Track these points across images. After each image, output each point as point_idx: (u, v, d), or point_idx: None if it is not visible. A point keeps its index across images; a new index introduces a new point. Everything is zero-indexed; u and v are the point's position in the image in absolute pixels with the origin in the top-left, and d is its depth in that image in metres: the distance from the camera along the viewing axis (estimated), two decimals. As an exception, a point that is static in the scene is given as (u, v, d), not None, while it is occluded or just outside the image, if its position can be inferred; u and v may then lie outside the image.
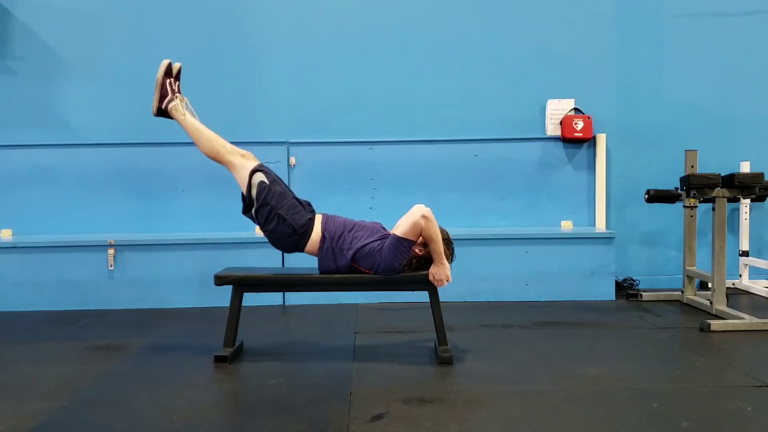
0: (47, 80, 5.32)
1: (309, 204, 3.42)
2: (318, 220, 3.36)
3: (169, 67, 3.43)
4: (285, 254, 4.81)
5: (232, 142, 5.29)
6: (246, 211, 3.38)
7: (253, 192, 3.28)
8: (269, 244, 4.82)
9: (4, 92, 5.29)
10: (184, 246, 4.85)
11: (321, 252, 3.31)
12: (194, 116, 3.43)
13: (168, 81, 3.41)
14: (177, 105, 3.41)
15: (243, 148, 5.26)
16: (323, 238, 3.30)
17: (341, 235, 3.31)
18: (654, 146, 5.41)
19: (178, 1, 5.34)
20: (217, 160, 3.40)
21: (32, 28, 5.30)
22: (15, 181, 5.26)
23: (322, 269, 3.36)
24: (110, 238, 4.86)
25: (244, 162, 3.36)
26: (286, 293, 4.86)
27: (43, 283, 4.77)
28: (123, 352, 3.59)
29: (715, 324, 3.88)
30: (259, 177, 3.29)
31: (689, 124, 5.41)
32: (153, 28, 5.34)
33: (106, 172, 5.28)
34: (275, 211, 3.24)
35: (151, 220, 5.29)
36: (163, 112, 3.44)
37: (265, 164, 3.38)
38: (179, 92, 3.45)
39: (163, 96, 3.40)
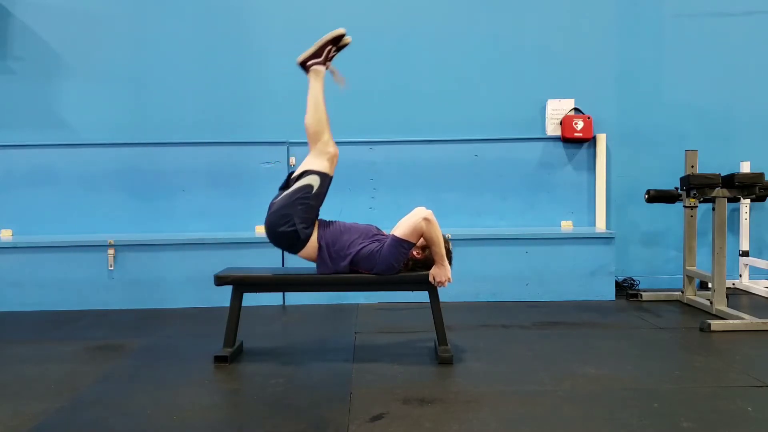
0: (47, 80, 5.32)
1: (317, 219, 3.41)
2: (315, 229, 3.33)
3: (338, 38, 3.38)
4: (285, 254, 4.82)
5: (232, 142, 5.35)
6: (283, 188, 3.35)
7: (298, 183, 3.27)
8: (269, 244, 4.84)
9: (4, 92, 5.30)
10: (184, 246, 4.85)
11: (319, 259, 3.31)
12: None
13: (329, 48, 3.38)
14: (320, 70, 3.39)
15: (246, 148, 5.32)
16: (320, 247, 3.29)
17: (337, 240, 3.30)
18: (654, 146, 5.41)
19: (178, 2, 5.34)
20: (310, 138, 3.36)
21: (32, 28, 5.30)
22: (15, 181, 5.26)
23: (320, 273, 3.36)
24: (110, 238, 4.86)
25: (322, 158, 3.31)
26: (286, 293, 4.86)
27: (43, 283, 4.77)
28: (123, 352, 3.59)
29: (715, 324, 3.88)
30: (314, 181, 3.26)
31: (689, 124, 5.41)
32: (153, 28, 5.34)
33: (106, 172, 5.28)
34: (292, 216, 3.22)
35: (151, 220, 5.29)
36: (304, 66, 3.42)
37: (326, 176, 3.31)
38: (330, 62, 3.42)
39: (315, 55, 3.37)
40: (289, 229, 3.22)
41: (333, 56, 3.43)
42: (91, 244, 4.81)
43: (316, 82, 3.38)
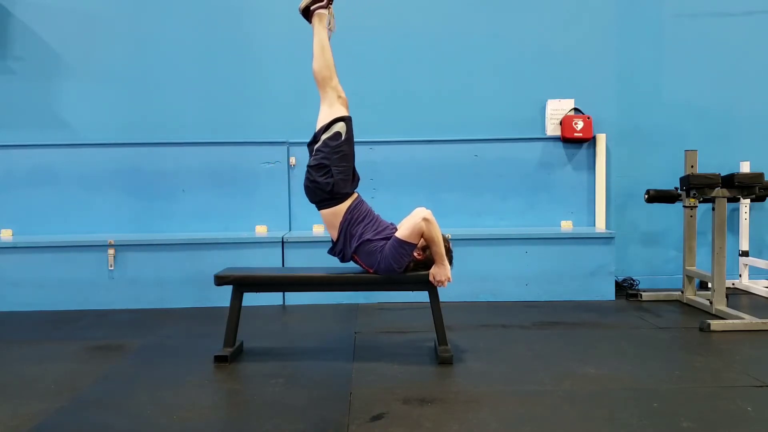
0: (47, 80, 5.32)
1: (358, 181, 3.45)
2: (351, 198, 3.36)
3: None
4: (285, 254, 4.82)
5: (232, 142, 5.35)
6: (311, 144, 3.39)
7: (326, 135, 3.30)
8: (269, 244, 4.89)
9: (4, 92, 5.29)
10: (184, 246, 4.85)
11: (338, 233, 3.31)
12: (330, 34, 3.42)
13: None
14: (323, 14, 3.39)
15: (246, 148, 5.33)
16: (344, 218, 3.30)
17: (358, 223, 3.31)
18: (654, 146, 5.41)
19: (178, 2, 5.34)
20: (319, 84, 3.40)
21: (32, 28, 5.30)
22: (15, 181, 5.26)
23: (333, 249, 3.39)
24: (110, 238, 4.86)
25: (336, 102, 3.37)
26: (286, 293, 4.85)
27: (43, 283, 4.77)
28: (123, 352, 3.59)
29: (715, 324, 3.88)
30: (341, 128, 3.30)
31: (689, 124, 5.41)
32: (153, 28, 5.34)
33: (106, 172, 5.28)
34: (330, 166, 3.25)
35: (151, 220, 5.28)
36: (306, 13, 3.42)
37: (349, 119, 3.36)
38: (331, 6, 3.42)
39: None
40: (328, 179, 3.25)
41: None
42: (91, 244, 4.81)
43: (320, 26, 3.39)
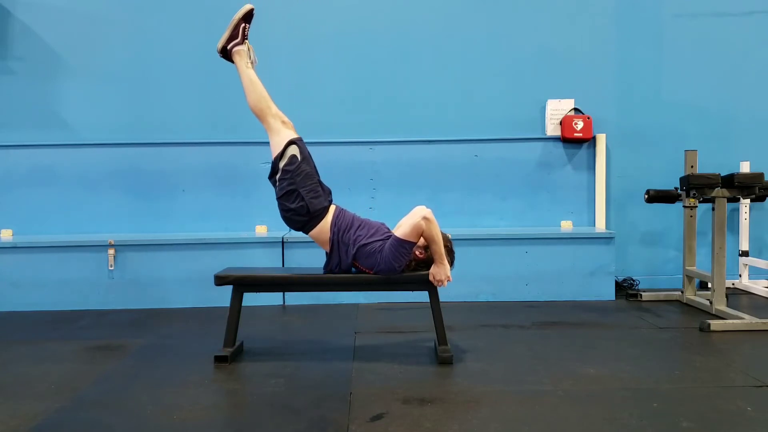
0: (47, 80, 5.32)
1: (330, 192, 3.44)
2: (331, 211, 3.37)
3: (249, 13, 3.43)
4: (285, 254, 4.82)
5: (232, 142, 5.35)
6: (271, 176, 3.40)
7: (282, 163, 3.31)
8: (269, 244, 4.89)
9: (4, 92, 5.29)
10: (184, 246, 4.85)
11: (330, 245, 3.33)
12: (253, 67, 3.44)
13: (243, 25, 3.42)
14: (242, 50, 3.42)
15: (246, 148, 5.33)
16: (331, 231, 3.31)
17: (347, 230, 3.32)
18: (654, 146, 5.41)
19: (177, 1, 5.34)
20: (259, 117, 3.42)
21: (32, 28, 5.30)
22: (15, 181, 5.26)
23: (329, 264, 3.39)
24: (110, 238, 4.86)
25: (282, 129, 3.37)
26: (286, 293, 4.86)
27: (43, 283, 4.77)
28: (123, 352, 3.59)
29: (715, 324, 3.88)
30: (293, 150, 3.32)
31: (689, 124, 5.41)
32: (153, 28, 5.34)
33: (106, 172, 5.28)
34: (297, 189, 3.26)
35: (151, 220, 5.29)
36: (225, 53, 3.46)
37: (299, 140, 3.37)
38: (247, 39, 3.45)
39: (232, 37, 3.41)
40: (299, 204, 3.26)
41: (248, 33, 3.45)
42: (91, 244, 4.81)
43: (242, 63, 3.42)
